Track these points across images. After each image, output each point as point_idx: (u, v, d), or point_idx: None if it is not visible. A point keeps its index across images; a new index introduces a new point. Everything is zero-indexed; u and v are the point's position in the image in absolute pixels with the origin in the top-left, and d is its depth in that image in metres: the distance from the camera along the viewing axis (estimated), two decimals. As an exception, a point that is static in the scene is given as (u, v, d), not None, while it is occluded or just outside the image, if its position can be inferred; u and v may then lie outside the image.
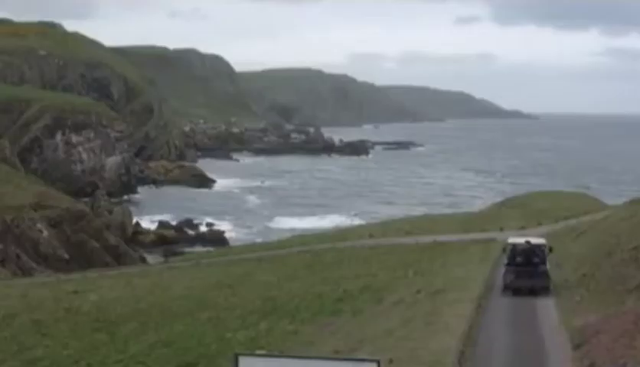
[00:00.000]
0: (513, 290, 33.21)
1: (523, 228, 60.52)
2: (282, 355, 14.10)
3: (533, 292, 32.94)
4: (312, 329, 33.39)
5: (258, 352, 14.09)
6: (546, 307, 30.32)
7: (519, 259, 34.11)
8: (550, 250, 35.48)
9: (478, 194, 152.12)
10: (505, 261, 34.78)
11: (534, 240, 35.94)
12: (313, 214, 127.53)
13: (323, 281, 46.23)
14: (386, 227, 72.81)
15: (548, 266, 34.28)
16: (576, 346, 21.61)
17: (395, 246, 58.37)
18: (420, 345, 21.62)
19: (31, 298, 49.38)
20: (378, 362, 13.07)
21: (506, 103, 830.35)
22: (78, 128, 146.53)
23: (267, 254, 64.14)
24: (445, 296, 30.42)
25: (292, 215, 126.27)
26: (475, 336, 23.56)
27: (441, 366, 19.50)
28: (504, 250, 35.80)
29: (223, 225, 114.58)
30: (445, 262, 45.09)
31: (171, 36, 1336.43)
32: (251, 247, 76.81)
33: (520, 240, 35.88)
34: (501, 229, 58.38)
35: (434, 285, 34.08)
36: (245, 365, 13.46)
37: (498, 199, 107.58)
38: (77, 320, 41.93)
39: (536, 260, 34.00)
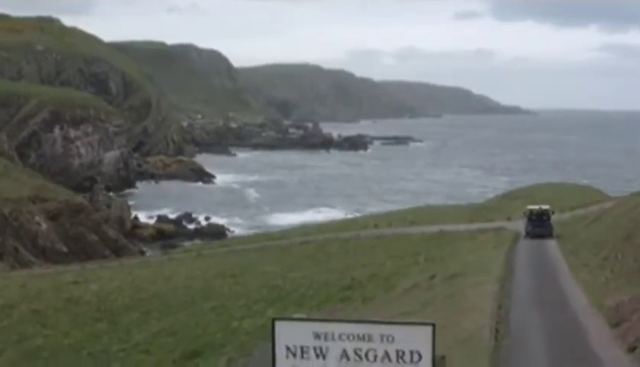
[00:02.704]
0: (531, 236, 49.76)
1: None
2: (322, 319, 12.66)
3: (543, 236, 49.27)
4: (321, 316, 32.22)
5: (296, 315, 12.73)
6: (572, 287, 29.40)
7: (534, 217, 51.84)
8: (553, 212, 52.91)
9: (477, 189, 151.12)
10: (525, 219, 52.18)
11: (543, 206, 53.42)
12: (312, 209, 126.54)
13: (328, 271, 45.14)
14: (391, 217, 71.72)
15: (552, 221, 51.51)
16: (615, 325, 20.66)
17: (400, 236, 57.27)
18: (447, 324, 20.49)
19: (30, 289, 48.34)
20: (433, 325, 11.77)
21: (504, 99, 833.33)
22: (76, 123, 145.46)
23: (269, 245, 63.08)
24: (464, 279, 29.30)
25: (291, 210, 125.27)
26: (504, 314, 22.49)
27: (475, 341, 18.39)
28: (524, 213, 53.15)
29: (222, 220, 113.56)
30: (456, 250, 44.14)
31: (169, 31, 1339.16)
32: (253, 238, 75.75)
33: (535, 207, 53.38)
34: (509, 219, 57.80)
35: (449, 270, 32.99)
36: (282, 330, 12.06)
37: (498, 193, 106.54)
38: (78, 310, 40.83)
39: (544, 217, 51.88)
